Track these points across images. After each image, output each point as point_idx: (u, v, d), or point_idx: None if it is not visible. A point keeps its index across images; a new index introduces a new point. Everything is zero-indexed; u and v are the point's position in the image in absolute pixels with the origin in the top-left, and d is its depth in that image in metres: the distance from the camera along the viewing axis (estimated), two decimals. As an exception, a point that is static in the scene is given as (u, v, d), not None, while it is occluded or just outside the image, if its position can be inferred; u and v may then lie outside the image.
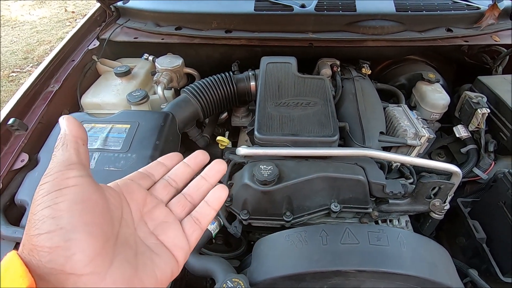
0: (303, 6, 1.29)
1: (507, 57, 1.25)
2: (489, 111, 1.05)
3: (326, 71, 1.22)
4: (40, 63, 1.19)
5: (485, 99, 1.08)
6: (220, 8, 1.32)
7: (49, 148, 0.90)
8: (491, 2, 1.31)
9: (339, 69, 1.24)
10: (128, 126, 0.93)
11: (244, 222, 0.89)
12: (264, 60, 1.15)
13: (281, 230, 0.78)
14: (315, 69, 1.29)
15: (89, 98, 1.15)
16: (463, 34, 1.26)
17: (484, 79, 1.17)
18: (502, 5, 1.30)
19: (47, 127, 0.97)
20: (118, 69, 1.19)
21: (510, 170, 0.86)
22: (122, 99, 1.12)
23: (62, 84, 1.10)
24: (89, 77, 1.24)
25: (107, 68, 1.29)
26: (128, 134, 0.91)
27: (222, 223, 0.90)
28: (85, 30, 1.35)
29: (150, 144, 0.89)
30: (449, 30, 1.28)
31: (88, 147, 0.88)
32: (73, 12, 5.03)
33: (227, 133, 1.37)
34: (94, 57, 1.28)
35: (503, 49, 1.25)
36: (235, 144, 1.28)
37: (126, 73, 1.18)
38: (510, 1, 1.32)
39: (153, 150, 0.88)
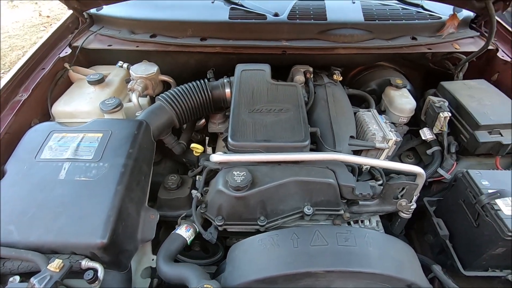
0: (276, 15, 1.33)
1: (467, 63, 1.34)
2: (450, 114, 1.12)
3: (300, 78, 1.26)
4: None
5: (446, 104, 1.15)
6: (195, 16, 1.33)
7: (17, 159, 0.87)
8: (451, 12, 1.40)
9: (312, 76, 1.28)
10: (101, 135, 0.93)
11: (219, 228, 0.90)
12: (239, 68, 1.17)
13: (256, 235, 0.80)
14: (289, 76, 1.33)
15: (61, 107, 1.13)
16: (427, 42, 1.34)
17: (446, 84, 1.24)
18: (461, 15, 1.39)
19: (15, 137, 0.94)
20: (91, 77, 1.17)
21: (468, 170, 0.92)
22: (96, 107, 1.10)
23: (32, 93, 1.08)
24: (61, 85, 1.22)
25: (80, 76, 1.27)
26: (101, 143, 0.90)
27: (197, 230, 0.91)
28: (57, 37, 1.33)
29: (123, 153, 0.88)
30: (414, 38, 1.35)
31: (58, 158, 0.86)
32: (48, 16, 4.88)
33: (207, 139, 1.38)
34: (66, 65, 1.25)
35: (463, 56, 1.33)
36: (215, 150, 1.29)
37: (99, 81, 1.17)
38: (471, 11, 1.41)
39: (126, 158, 0.87)
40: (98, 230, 0.72)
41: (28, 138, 0.93)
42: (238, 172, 0.84)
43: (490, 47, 1.27)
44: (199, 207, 0.93)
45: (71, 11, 1.40)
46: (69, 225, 0.73)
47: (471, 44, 1.38)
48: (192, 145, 1.09)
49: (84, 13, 1.40)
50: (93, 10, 1.41)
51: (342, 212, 0.92)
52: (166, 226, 1.08)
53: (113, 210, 0.76)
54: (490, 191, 0.85)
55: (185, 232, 0.89)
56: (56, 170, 0.84)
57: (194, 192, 0.97)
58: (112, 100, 1.06)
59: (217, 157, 0.89)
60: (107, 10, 1.42)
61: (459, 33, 1.40)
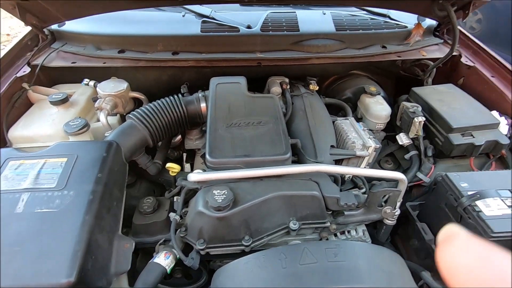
0: (249, 27, 1.32)
1: (435, 69, 1.39)
2: (424, 119, 1.14)
3: (276, 89, 1.24)
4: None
5: (420, 109, 1.18)
6: (166, 30, 1.29)
7: (-35, 193, 0.77)
8: (416, 21, 1.46)
9: (288, 87, 1.27)
10: (65, 159, 0.84)
11: (202, 252, 0.84)
12: (214, 81, 1.14)
13: (242, 256, 0.75)
14: (266, 88, 1.31)
15: (19, 131, 1.03)
16: (396, 50, 1.38)
17: (418, 90, 1.28)
18: (425, 24, 1.46)
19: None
20: (54, 96, 1.09)
21: (447, 173, 0.93)
22: (59, 130, 1.02)
23: (-17, 117, 0.98)
24: (20, 107, 1.12)
25: (41, 97, 1.17)
26: (65, 169, 0.82)
27: (177, 256, 0.84)
28: (14, 55, 1.22)
29: (91, 178, 0.80)
30: (383, 47, 1.39)
31: (15, 188, 0.77)
32: (8, 34, 4.62)
33: (184, 156, 1.32)
34: (25, 85, 1.16)
35: (431, 62, 1.39)
36: (193, 167, 1.23)
37: (63, 101, 1.09)
38: (434, 20, 1.48)
39: (94, 184, 0.79)
40: (63, 268, 0.64)
41: (-22, 168, 0.83)
42: (218, 191, 0.79)
43: (454, 53, 1.33)
44: (178, 231, 0.87)
45: (29, 28, 1.31)
46: (29, 266, 0.64)
47: (437, 51, 1.44)
48: (168, 164, 1.03)
49: (44, 30, 1.31)
50: (54, 26, 1.33)
51: (328, 224, 0.90)
52: (144, 252, 1.00)
53: (81, 243, 0.68)
54: (469, 193, 0.86)
55: (164, 260, 0.82)
56: (13, 202, 0.74)
57: (172, 215, 0.90)
58: (77, 120, 0.98)
59: (195, 176, 0.84)
60: (70, 26, 1.34)
61: (424, 40, 1.46)
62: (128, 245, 0.82)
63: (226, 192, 0.79)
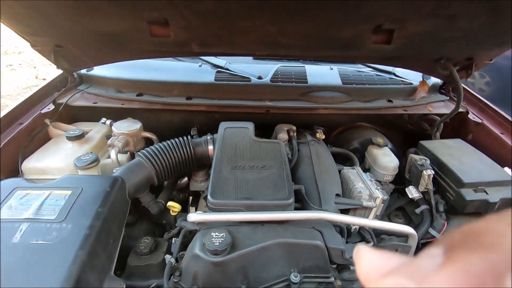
0: (260, 77, 1.41)
1: (442, 124, 1.40)
2: (433, 172, 1.12)
3: (283, 136, 1.27)
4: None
5: (428, 161, 1.16)
6: (182, 77, 1.39)
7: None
8: (421, 79, 1.52)
9: (295, 134, 1.30)
10: (69, 192, 0.85)
11: (194, 301, 0.78)
12: (223, 125, 1.18)
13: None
14: (273, 134, 1.34)
15: (32, 163, 1.07)
16: (402, 105, 1.42)
17: (426, 143, 1.28)
18: (430, 82, 1.51)
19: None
20: (70, 132, 1.14)
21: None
22: (69, 164, 1.05)
23: (3, 148, 1.03)
24: (39, 141, 1.18)
25: (60, 132, 1.24)
26: (67, 201, 0.83)
27: (168, 304, 0.78)
28: (42, 94, 1.33)
29: (90, 212, 0.80)
30: (389, 101, 1.44)
31: (16, 218, 0.77)
32: (44, 79, 5.07)
33: (190, 199, 1.31)
34: (47, 121, 1.23)
35: (438, 117, 1.41)
36: (197, 210, 1.21)
37: (78, 137, 1.14)
38: (438, 78, 1.54)
39: (94, 218, 0.79)
40: (46, 307, 0.60)
41: (-14, 196, 0.85)
42: (216, 234, 0.76)
43: (461, 110, 1.35)
44: (172, 276, 0.82)
45: (60, 71, 1.44)
46: (11, 301, 0.61)
47: (443, 107, 1.47)
48: (169, 203, 1.02)
49: (74, 73, 1.44)
50: (83, 71, 1.46)
51: (332, 279, 0.83)
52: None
53: (69, 280, 0.65)
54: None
55: (153, 308, 0.76)
56: (11, 231, 0.74)
57: (167, 257, 0.87)
58: (88, 155, 1.01)
59: (194, 216, 0.82)
60: (97, 70, 1.47)
61: (430, 97, 1.50)
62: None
63: (224, 235, 0.76)
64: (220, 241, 0.75)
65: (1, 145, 1.03)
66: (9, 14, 0.95)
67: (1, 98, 4.33)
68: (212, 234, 0.76)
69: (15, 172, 1.05)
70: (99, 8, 0.89)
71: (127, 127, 1.21)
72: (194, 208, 1.26)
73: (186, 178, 1.31)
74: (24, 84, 4.87)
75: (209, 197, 0.86)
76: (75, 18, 0.95)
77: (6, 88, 4.67)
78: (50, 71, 5.32)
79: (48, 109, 1.25)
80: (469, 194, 1.04)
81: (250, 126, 1.17)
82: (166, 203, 1.13)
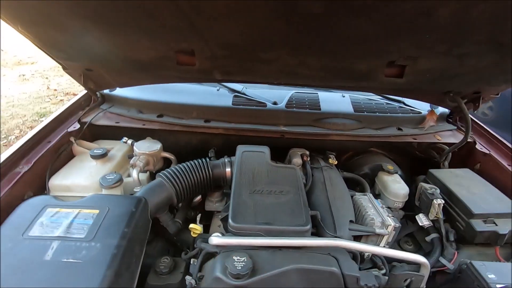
0: (275, 103, 1.47)
1: (450, 153, 1.44)
2: (443, 202, 1.15)
3: (297, 160, 1.31)
4: (10, 137, 1.17)
5: (438, 191, 1.19)
6: (201, 100, 1.46)
7: (6, 234, 0.82)
8: (429, 108, 1.58)
9: (308, 159, 1.34)
10: (97, 211, 0.90)
11: (214, 323, 0.81)
12: (240, 149, 1.23)
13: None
14: (287, 158, 1.39)
15: (58, 180, 1.12)
16: (412, 133, 1.47)
17: (435, 172, 1.32)
18: (438, 111, 1.57)
19: (5, 211, 0.90)
20: (95, 151, 1.20)
21: (472, 261, 0.90)
22: (94, 182, 1.10)
23: (33, 165, 1.08)
24: (63, 158, 1.23)
25: (83, 150, 1.29)
26: (96, 220, 0.87)
27: (188, 325, 0.81)
28: (68, 113, 1.40)
29: (117, 232, 0.84)
30: (399, 129, 1.49)
31: (48, 235, 0.82)
32: (55, 90, 5.20)
33: (199, 216, 1.34)
34: (72, 139, 1.29)
35: (446, 146, 1.45)
36: (207, 228, 1.24)
37: (102, 156, 1.19)
38: (446, 108, 1.60)
39: (120, 239, 0.83)
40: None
41: (19, 212, 0.89)
42: (238, 258, 0.80)
43: (468, 140, 1.39)
44: (192, 297, 0.85)
45: (84, 90, 1.51)
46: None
47: (451, 136, 1.52)
48: (191, 225, 1.06)
49: (97, 93, 1.51)
50: (106, 91, 1.53)
51: (347, 306, 0.85)
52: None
53: (99, 299, 0.68)
54: (498, 286, 0.82)
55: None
56: (43, 249, 0.78)
57: (188, 278, 0.89)
58: (113, 175, 1.06)
59: (216, 239, 0.86)
60: (119, 91, 1.54)
61: (438, 126, 1.55)
62: (139, 307, 0.81)
63: (245, 260, 0.79)
64: (242, 265, 0.78)
65: (32, 163, 1.08)
66: (49, 43, 1.02)
67: (12, 108, 4.45)
68: (234, 258, 0.79)
69: (42, 188, 1.10)
70: (135, 39, 0.96)
71: (148, 147, 1.27)
72: (201, 226, 1.29)
73: (199, 197, 1.35)
74: (35, 94, 5.00)
75: (230, 221, 0.90)
76: (110, 48, 1.03)
77: (18, 97, 4.80)
78: (61, 81, 5.47)
79: (74, 127, 1.32)
80: (479, 225, 1.07)
81: (266, 150, 1.22)
82: (183, 222, 1.17)
